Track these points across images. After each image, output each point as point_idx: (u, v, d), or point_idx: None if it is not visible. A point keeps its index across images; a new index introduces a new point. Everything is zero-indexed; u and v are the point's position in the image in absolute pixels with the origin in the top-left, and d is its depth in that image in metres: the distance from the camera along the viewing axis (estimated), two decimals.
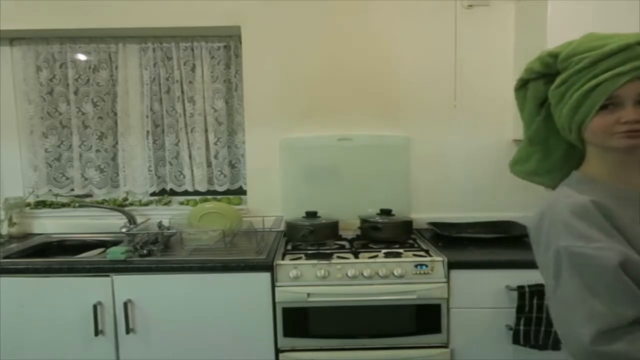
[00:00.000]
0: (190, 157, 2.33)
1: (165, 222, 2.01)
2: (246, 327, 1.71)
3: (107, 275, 1.70)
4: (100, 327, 1.70)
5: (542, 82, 0.89)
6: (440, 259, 1.72)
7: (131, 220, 2.18)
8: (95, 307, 1.69)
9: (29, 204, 2.29)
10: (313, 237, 1.91)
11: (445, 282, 1.68)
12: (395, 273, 1.67)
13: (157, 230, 1.92)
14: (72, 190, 2.37)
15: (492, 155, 2.21)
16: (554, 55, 0.85)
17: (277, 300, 1.68)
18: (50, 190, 2.37)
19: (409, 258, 1.74)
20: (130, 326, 1.70)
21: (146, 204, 2.32)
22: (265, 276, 1.69)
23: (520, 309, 1.65)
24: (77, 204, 2.25)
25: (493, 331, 1.70)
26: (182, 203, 2.34)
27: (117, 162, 2.36)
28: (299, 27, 2.18)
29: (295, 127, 2.22)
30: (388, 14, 2.17)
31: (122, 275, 1.71)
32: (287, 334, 1.69)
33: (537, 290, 1.63)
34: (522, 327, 1.65)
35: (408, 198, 2.24)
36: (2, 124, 2.30)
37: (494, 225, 2.14)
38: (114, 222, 2.17)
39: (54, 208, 2.30)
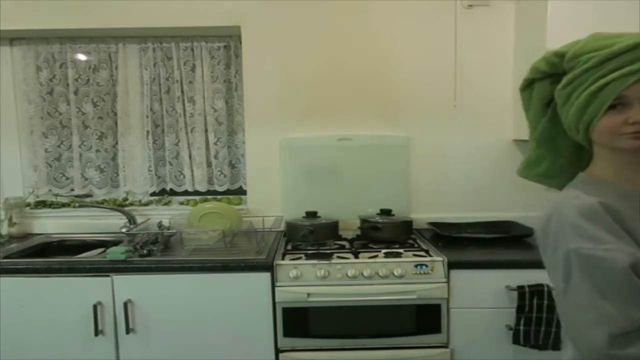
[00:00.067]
0: (190, 157, 2.33)
1: (165, 222, 2.01)
2: (246, 327, 1.71)
3: (107, 275, 1.71)
4: (100, 327, 1.70)
5: (548, 82, 0.88)
6: (440, 259, 1.72)
7: (131, 220, 2.18)
8: (95, 307, 1.69)
9: (29, 204, 2.29)
10: (313, 237, 1.91)
11: (445, 282, 1.68)
12: (395, 273, 1.67)
13: (157, 230, 1.92)
14: (72, 190, 2.37)
15: (492, 155, 2.21)
16: (560, 55, 0.83)
17: (277, 300, 1.68)
18: (50, 190, 2.37)
19: (409, 258, 1.74)
20: (130, 326, 1.70)
21: (146, 204, 2.32)
22: (265, 276, 1.69)
23: (520, 309, 1.65)
24: (77, 204, 2.25)
25: (493, 331, 1.70)
26: (182, 203, 2.34)
27: (117, 162, 2.36)
28: (299, 27, 2.18)
29: (295, 127, 2.22)
30: (388, 14, 2.17)
31: (122, 275, 1.71)
32: (287, 334, 1.69)
33: (537, 290, 1.63)
34: (522, 327, 1.65)
35: (408, 198, 2.24)
36: (2, 124, 2.30)
37: (494, 225, 2.14)
38: (114, 222, 2.18)
39: (54, 208, 2.30)
